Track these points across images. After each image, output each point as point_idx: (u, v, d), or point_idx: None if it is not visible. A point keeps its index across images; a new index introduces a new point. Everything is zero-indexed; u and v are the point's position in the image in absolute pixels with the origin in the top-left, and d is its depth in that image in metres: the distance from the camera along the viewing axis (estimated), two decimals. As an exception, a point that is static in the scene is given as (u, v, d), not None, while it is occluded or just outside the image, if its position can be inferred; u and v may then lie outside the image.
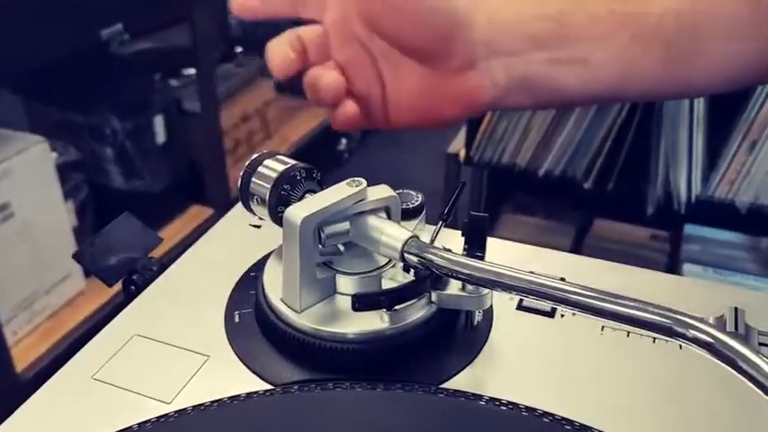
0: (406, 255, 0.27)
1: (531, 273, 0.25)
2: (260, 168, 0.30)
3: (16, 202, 1.40)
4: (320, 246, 0.27)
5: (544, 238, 1.30)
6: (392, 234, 0.27)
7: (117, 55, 1.88)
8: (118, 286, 0.33)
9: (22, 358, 1.38)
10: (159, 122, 1.76)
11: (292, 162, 0.30)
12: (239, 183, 0.30)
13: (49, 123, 1.67)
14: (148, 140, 1.74)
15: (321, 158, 2.28)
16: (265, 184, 0.29)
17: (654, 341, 0.29)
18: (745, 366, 0.22)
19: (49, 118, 1.70)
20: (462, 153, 1.37)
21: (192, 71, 1.87)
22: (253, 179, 0.30)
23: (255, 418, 0.24)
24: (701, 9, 0.31)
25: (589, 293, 0.24)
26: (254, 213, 0.30)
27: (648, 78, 0.33)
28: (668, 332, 0.23)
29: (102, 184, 1.72)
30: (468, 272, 0.25)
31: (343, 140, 2.30)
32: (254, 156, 0.31)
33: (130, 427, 0.24)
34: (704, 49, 0.32)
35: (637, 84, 0.33)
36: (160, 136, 1.76)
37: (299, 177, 0.29)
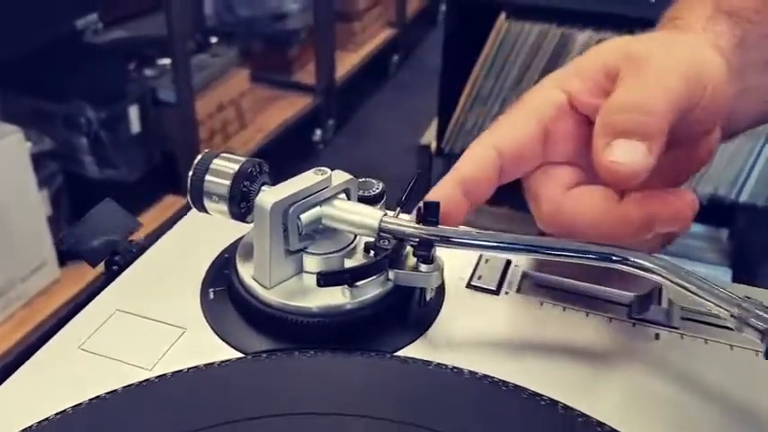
0: (382, 228, 0.30)
1: (493, 232, 0.29)
2: (212, 168, 0.31)
3: (-10, 192, 1.41)
4: (299, 234, 0.30)
5: (510, 228, 1.34)
6: (367, 213, 0.30)
7: (91, 44, 1.88)
8: (95, 273, 0.35)
9: (-5, 346, 1.39)
10: (134, 112, 1.76)
11: (241, 158, 0.32)
12: (189, 185, 0.31)
13: (24, 112, 1.67)
14: (123, 130, 1.75)
15: (296, 149, 2.29)
16: (224, 181, 0.31)
17: (587, 315, 0.32)
18: (670, 276, 0.27)
19: (23, 107, 1.70)
20: (434, 144, 1.40)
21: (166, 61, 1.88)
22: (207, 178, 0.31)
23: (228, 381, 0.27)
24: None
25: (543, 240, 0.29)
26: (208, 212, 0.32)
27: None
28: (609, 260, 0.28)
29: (77, 174, 1.72)
30: (438, 235, 0.29)
31: (318, 131, 2.32)
32: (199, 157, 0.32)
33: (116, 390, 0.26)
34: None
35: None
36: (135, 126, 1.76)
37: (254, 173, 0.31)
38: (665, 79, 0.31)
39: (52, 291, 1.55)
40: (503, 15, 1.27)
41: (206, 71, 1.99)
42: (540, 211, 0.31)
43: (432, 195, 0.31)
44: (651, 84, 0.31)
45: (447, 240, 0.30)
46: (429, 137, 1.47)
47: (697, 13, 0.37)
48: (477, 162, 0.32)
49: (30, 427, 0.25)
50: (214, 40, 2.12)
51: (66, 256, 1.55)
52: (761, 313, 0.25)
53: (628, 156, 0.29)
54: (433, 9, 3.04)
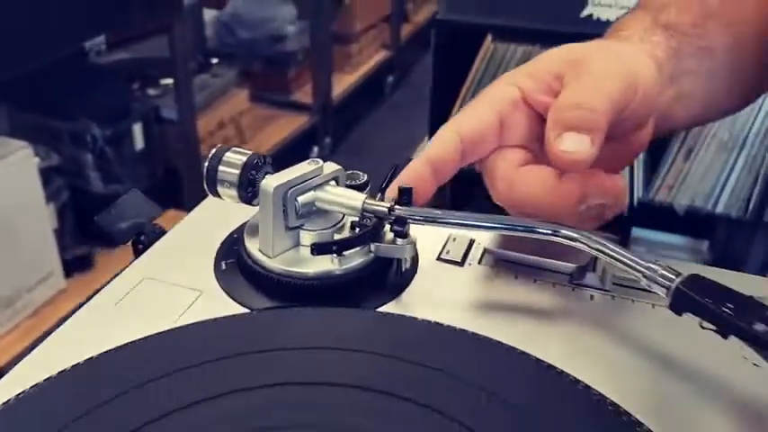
0: (364, 209, 0.36)
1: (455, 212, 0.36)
2: (224, 159, 0.38)
3: (0, 204, 1.47)
4: (296, 213, 0.37)
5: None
6: (352, 196, 0.37)
7: (97, 65, 1.96)
8: (100, 283, 0.40)
9: (4, 354, 1.43)
10: (138, 129, 1.83)
11: (248, 152, 0.38)
12: (205, 173, 0.38)
13: (32, 129, 1.73)
14: (127, 147, 1.81)
15: (294, 165, 2.38)
16: (234, 171, 0.38)
17: (535, 281, 0.38)
18: (591, 244, 0.33)
19: (31, 124, 1.76)
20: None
21: (169, 81, 1.95)
22: (220, 168, 0.38)
23: (238, 330, 0.33)
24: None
25: (497, 218, 0.35)
26: (221, 197, 0.39)
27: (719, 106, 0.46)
28: (553, 234, 0.34)
29: (82, 188, 1.78)
30: (410, 214, 0.36)
31: (315, 149, 2.39)
32: (214, 150, 0.38)
33: (147, 336, 0.33)
34: None
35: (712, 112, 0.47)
36: (138, 142, 1.83)
37: (259, 164, 0.38)
38: (604, 83, 0.37)
39: (58, 301, 1.61)
40: (489, 37, 1.35)
41: (207, 91, 2.07)
42: (496, 188, 0.38)
43: (404, 173, 0.38)
44: (593, 86, 0.37)
45: (417, 218, 0.36)
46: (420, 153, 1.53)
47: (637, 25, 0.44)
48: (443, 145, 0.38)
49: (78, 363, 0.31)
50: (215, 60, 2.20)
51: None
52: (666, 273, 0.32)
53: (575, 146, 0.35)
54: (427, 32, 3.12)
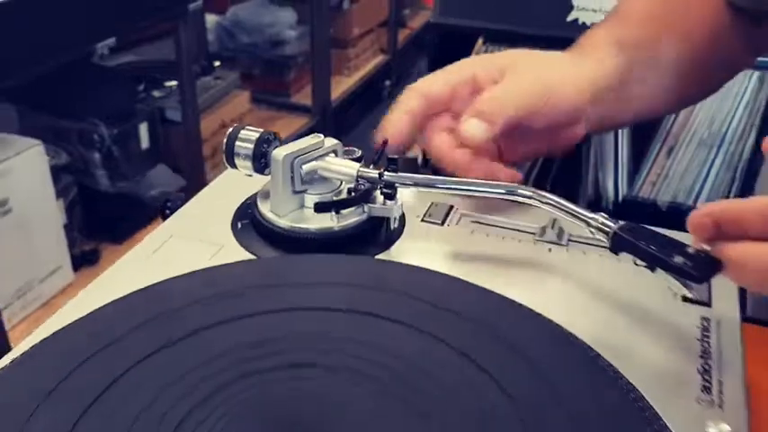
0: (359, 175, 0.43)
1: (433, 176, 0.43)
2: (240, 135, 0.45)
3: (14, 199, 1.53)
4: (301, 179, 0.44)
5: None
6: (348, 165, 0.44)
7: (104, 67, 2.03)
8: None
9: (16, 343, 1.50)
10: (143, 129, 1.90)
11: (260, 130, 0.45)
12: (224, 148, 0.45)
13: (42, 129, 1.79)
14: (133, 146, 1.88)
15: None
16: (249, 145, 0.45)
17: (503, 238, 0.45)
18: (541, 198, 0.40)
19: (41, 124, 1.83)
20: (420, 157, 1.54)
21: (173, 83, 2.02)
22: (237, 143, 0.45)
23: (254, 271, 0.40)
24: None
25: (464, 180, 0.43)
26: (237, 167, 0.46)
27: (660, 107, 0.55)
28: (511, 194, 0.41)
29: (90, 186, 1.85)
30: (397, 179, 0.43)
31: (314, 150, 2.46)
32: (231, 129, 0.45)
33: (177, 276, 0.39)
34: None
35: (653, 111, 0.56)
36: (144, 142, 1.89)
37: (270, 139, 0.45)
38: (518, 88, 0.47)
39: (66, 293, 1.67)
40: (480, 40, 1.41)
41: (210, 93, 2.14)
42: (430, 148, 0.48)
43: (390, 121, 0.48)
44: (507, 90, 0.47)
45: (402, 183, 0.43)
46: (416, 151, 1.60)
47: (595, 40, 0.52)
48: (410, 102, 0.48)
49: (114, 300, 0.38)
50: (217, 64, 2.27)
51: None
52: (606, 221, 0.38)
53: (473, 129, 0.46)
54: (423, 38, 3.20)
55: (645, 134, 1.42)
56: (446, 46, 1.51)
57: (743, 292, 0.43)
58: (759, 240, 0.33)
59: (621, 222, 0.38)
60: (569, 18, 1.37)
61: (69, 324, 0.35)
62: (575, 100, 0.48)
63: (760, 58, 1.34)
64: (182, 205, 0.48)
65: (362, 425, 0.30)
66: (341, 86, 2.66)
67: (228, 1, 2.61)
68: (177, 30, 1.79)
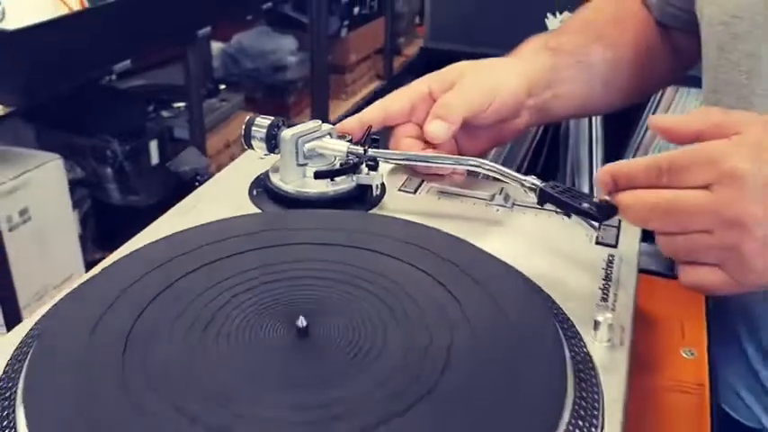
0: (348, 152, 0.55)
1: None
2: (256, 122, 0.58)
3: (33, 209, 1.65)
4: (303, 155, 0.56)
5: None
6: (341, 144, 0.56)
7: (117, 89, 2.16)
8: None
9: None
10: (153, 146, 2.02)
11: (271, 118, 0.58)
12: (243, 132, 0.58)
13: (58, 145, 1.92)
14: (144, 161, 2.01)
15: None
16: (262, 130, 0.57)
17: (462, 201, 0.57)
18: (484, 166, 0.52)
19: (58, 140, 1.95)
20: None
21: (180, 104, 2.16)
22: (253, 128, 0.58)
23: (267, 219, 0.52)
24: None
25: (428, 155, 0.55)
26: (254, 148, 0.58)
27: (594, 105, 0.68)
28: (462, 164, 0.53)
29: (102, 200, 1.97)
30: (378, 155, 0.55)
31: (313, 169, 2.59)
32: (248, 117, 0.58)
33: (210, 222, 0.51)
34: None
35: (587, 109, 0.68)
36: (154, 158, 2.02)
37: (280, 124, 0.57)
38: (467, 92, 0.59)
39: (80, 298, 1.78)
40: (466, 63, 1.55)
41: (215, 114, 2.27)
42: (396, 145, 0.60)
43: (347, 122, 0.60)
44: (460, 94, 0.59)
45: (382, 157, 0.55)
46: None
47: (530, 47, 0.65)
48: (374, 113, 0.60)
49: (163, 237, 0.50)
50: (222, 87, 2.41)
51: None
52: (534, 181, 0.50)
53: (435, 128, 0.58)
54: (417, 64, 3.34)
55: (617, 144, 1.55)
56: (434, 66, 1.64)
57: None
58: (642, 189, 0.45)
59: (547, 182, 0.50)
60: (546, 42, 1.51)
61: (132, 252, 0.47)
62: (514, 95, 0.60)
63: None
64: (208, 178, 0.61)
65: (345, 311, 0.42)
66: (339, 110, 2.79)
67: (233, 29, 2.76)
68: (186, 54, 1.93)
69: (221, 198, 0.57)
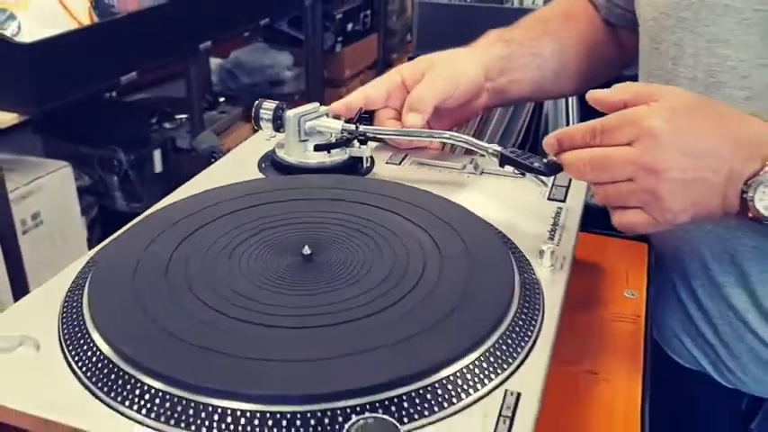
0: (342, 129, 0.66)
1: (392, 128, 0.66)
2: (263, 106, 0.68)
3: (45, 213, 1.75)
4: (304, 131, 0.66)
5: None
6: (336, 122, 0.66)
7: (121, 102, 2.28)
8: None
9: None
10: (157, 155, 2.13)
11: (276, 102, 0.68)
12: (253, 114, 0.68)
13: (65, 156, 2.02)
14: (148, 170, 2.11)
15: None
16: (269, 112, 0.68)
17: (440, 170, 0.68)
18: (454, 137, 0.62)
19: (64, 151, 2.06)
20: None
21: (182, 116, 2.27)
22: (261, 111, 0.68)
23: (278, 181, 0.63)
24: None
25: (407, 131, 0.65)
26: (262, 128, 0.69)
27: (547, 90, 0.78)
28: (435, 137, 0.64)
29: (109, 206, 2.07)
30: (368, 131, 0.65)
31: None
32: (257, 102, 0.69)
33: (231, 183, 0.61)
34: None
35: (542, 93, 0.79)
36: (158, 166, 2.13)
37: (283, 107, 0.68)
38: (435, 83, 0.69)
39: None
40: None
41: (215, 125, 2.39)
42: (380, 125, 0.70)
43: (335, 105, 0.69)
44: (429, 85, 0.69)
45: (371, 134, 0.66)
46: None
47: (487, 39, 0.76)
48: (356, 100, 0.70)
49: (190, 196, 0.60)
50: (222, 99, 2.52)
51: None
52: (496, 147, 0.61)
53: (412, 119, 0.68)
54: (410, 78, 3.46)
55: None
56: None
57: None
58: (580, 149, 0.55)
59: (506, 148, 0.61)
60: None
61: (167, 205, 0.58)
62: (474, 81, 0.71)
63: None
64: (223, 156, 0.71)
65: (343, 245, 0.52)
66: (333, 122, 2.90)
67: (230, 46, 2.88)
68: (188, 67, 2.04)
69: (235, 170, 0.67)
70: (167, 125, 2.28)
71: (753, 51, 0.59)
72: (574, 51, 0.78)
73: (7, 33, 1.52)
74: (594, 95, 0.56)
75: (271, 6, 2.41)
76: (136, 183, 2.09)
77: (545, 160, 0.58)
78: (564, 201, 0.62)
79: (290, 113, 0.66)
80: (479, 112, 0.75)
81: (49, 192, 1.77)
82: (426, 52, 0.79)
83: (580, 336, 0.60)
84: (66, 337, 0.44)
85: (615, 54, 0.82)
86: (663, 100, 0.52)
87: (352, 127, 0.66)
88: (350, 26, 3.01)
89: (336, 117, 0.68)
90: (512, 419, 0.39)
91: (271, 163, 0.68)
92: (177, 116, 2.30)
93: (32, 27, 1.58)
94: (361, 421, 0.35)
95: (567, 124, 1.70)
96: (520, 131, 1.66)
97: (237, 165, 0.69)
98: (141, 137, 2.14)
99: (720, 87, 0.61)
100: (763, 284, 0.64)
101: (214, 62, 2.84)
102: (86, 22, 1.69)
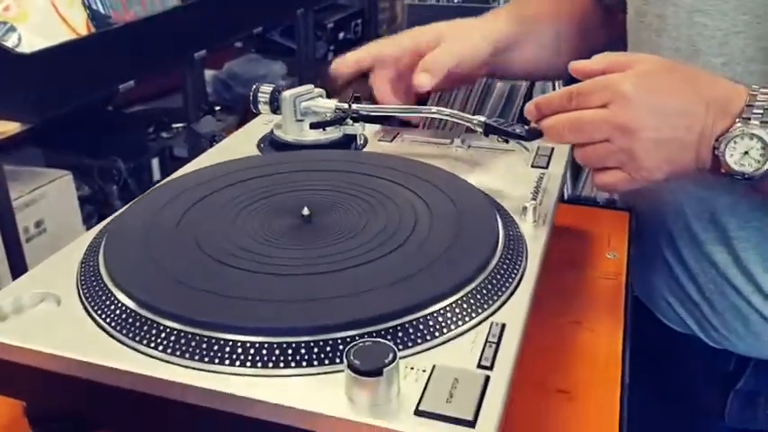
0: (336, 107, 0.70)
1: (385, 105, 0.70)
2: (261, 89, 0.72)
3: (48, 220, 1.78)
4: (300, 111, 0.70)
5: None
6: (330, 102, 0.70)
7: (119, 112, 2.32)
8: None
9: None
10: (155, 164, 2.17)
11: (273, 85, 0.72)
12: (251, 98, 0.72)
13: (66, 166, 2.06)
14: (146, 178, 2.15)
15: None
16: (266, 95, 0.72)
17: (429, 146, 0.72)
18: (444, 112, 0.66)
19: (64, 162, 2.09)
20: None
21: (178, 125, 2.31)
22: (259, 93, 0.72)
23: (280, 156, 0.66)
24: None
25: (397, 107, 0.69)
26: (260, 111, 0.73)
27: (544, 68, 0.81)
28: (421, 112, 0.68)
29: (109, 214, 2.09)
30: (360, 109, 0.69)
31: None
32: (254, 87, 0.73)
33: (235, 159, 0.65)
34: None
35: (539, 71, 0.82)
36: (156, 174, 2.17)
37: (279, 90, 0.72)
38: (452, 50, 0.73)
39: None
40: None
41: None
42: (374, 91, 0.74)
43: (340, 61, 0.73)
44: (446, 51, 0.73)
45: (364, 113, 0.70)
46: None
47: (496, 13, 0.80)
48: (365, 60, 0.74)
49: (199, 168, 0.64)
50: (218, 108, 2.56)
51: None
52: (480, 118, 0.65)
53: (422, 79, 0.71)
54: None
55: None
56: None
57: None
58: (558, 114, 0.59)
59: (489, 118, 0.64)
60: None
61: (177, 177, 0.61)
62: (482, 52, 0.74)
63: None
64: (224, 138, 0.75)
65: (340, 208, 0.56)
66: (327, 129, 2.94)
67: (224, 57, 2.92)
68: (184, 74, 2.08)
69: (235, 151, 0.71)
70: (164, 134, 2.32)
71: (729, 19, 0.63)
72: (567, 33, 0.81)
73: (8, 45, 1.56)
74: (575, 65, 0.59)
75: (263, 16, 2.46)
76: (135, 191, 2.13)
77: (526, 127, 0.62)
78: (546, 168, 0.66)
79: (287, 94, 0.70)
80: (471, 83, 0.79)
81: (52, 200, 1.80)
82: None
83: (566, 292, 0.64)
84: (86, 290, 0.47)
85: (604, 32, 0.85)
86: (636, 65, 0.56)
87: (345, 105, 0.70)
88: (341, 35, 3.06)
89: (334, 87, 0.73)
90: (497, 345, 0.42)
91: (269, 143, 0.72)
92: (174, 125, 2.34)
93: (32, 38, 1.62)
94: (361, 344, 0.39)
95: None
96: (516, 111, 1.70)
97: (237, 146, 0.73)
98: (139, 146, 2.18)
99: (700, 55, 0.65)
100: (740, 240, 0.68)
101: (208, 74, 2.88)
102: (84, 32, 1.73)
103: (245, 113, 2.41)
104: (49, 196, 1.79)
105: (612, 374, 0.54)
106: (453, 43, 0.73)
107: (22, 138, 1.79)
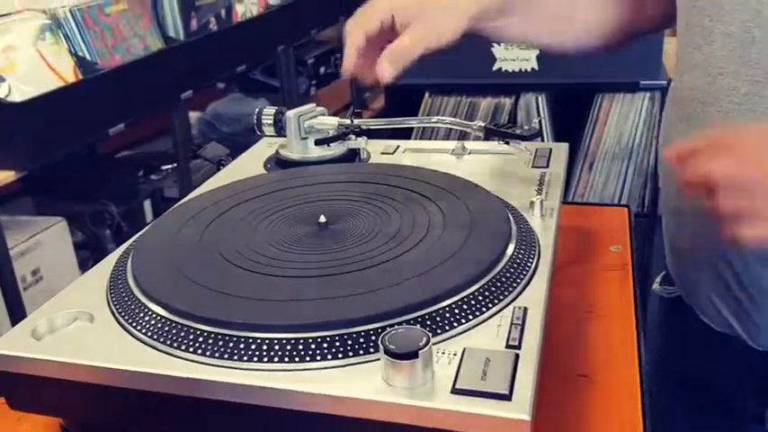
0: (338, 126, 0.72)
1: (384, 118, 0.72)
2: (264, 112, 0.75)
3: (44, 268, 1.79)
4: (304, 130, 0.72)
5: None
6: (333, 119, 0.73)
7: (108, 158, 2.34)
8: None
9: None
10: (147, 206, 2.19)
11: (276, 107, 0.75)
12: (255, 121, 0.75)
13: (57, 214, 2.07)
14: (139, 220, 2.16)
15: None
16: (270, 117, 0.74)
17: (432, 155, 0.74)
18: (446, 120, 0.69)
19: (56, 210, 2.10)
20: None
21: (167, 167, 2.34)
22: (263, 116, 0.74)
23: (293, 171, 0.68)
24: None
25: (398, 120, 0.71)
26: (265, 133, 0.75)
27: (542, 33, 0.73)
28: (424, 122, 0.70)
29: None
30: (362, 124, 0.72)
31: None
32: (257, 109, 0.75)
33: (247, 177, 0.67)
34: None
35: (538, 36, 0.73)
36: (149, 216, 2.18)
37: (282, 111, 0.74)
38: (419, 35, 0.62)
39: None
40: (427, 93, 1.74)
41: (201, 172, 2.43)
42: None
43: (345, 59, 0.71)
44: (412, 39, 0.62)
45: (365, 127, 0.72)
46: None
47: None
48: (354, 38, 0.66)
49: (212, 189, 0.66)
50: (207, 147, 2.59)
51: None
52: (481, 124, 0.67)
53: (384, 72, 0.62)
54: (383, 117, 3.56)
55: (570, 154, 1.74)
56: (400, 101, 1.84)
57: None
58: None
59: (489, 122, 0.67)
60: (494, 68, 1.71)
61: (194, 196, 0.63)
62: (456, 32, 0.65)
63: (644, 81, 1.68)
64: (230, 162, 0.77)
65: (356, 216, 0.58)
66: (314, 162, 2.97)
67: (207, 99, 2.95)
68: (171, 116, 2.11)
69: (243, 172, 0.73)
70: (154, 177, 2.34)
71: None
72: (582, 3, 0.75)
73: (-1, 95, 1.58)
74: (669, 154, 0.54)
75: (245, 55, 2.50)
76: (129, 234, 2.13)
77: (525, 127, 0.64)
78: (547, 167, 0.69)
79: (291, 113, 0.72)
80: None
81: (47, 247, 1.81)
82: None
83: (575, 285, 0.66)
84: (118, 305, 0.49)
85: (629, 16, 0.77)
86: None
87: (347, 121, 0.73)
88: (322, 69, 3.11)
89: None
90: (522, 327, 0.44)
91: (276, 162, 0.74)
92: (162, 167, 2.36)
93: (22, 88, 1.64)
94: (394, 332, 0.41)
95: (538, 114, 1.78)
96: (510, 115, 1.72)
97: (245, 167, 0.75)
98: (130, 190, 2.19)
99: (755, 43, 0.60)
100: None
101: (193, 116, 2.91)
102: (72, 79, 1.76)
103: (232, 151, 2.42)
104: (44, 244, 1.80)
105: (629, 357, 0.56)
106: (424, 26, 0.65)
107: (15, 186, 1.80)
